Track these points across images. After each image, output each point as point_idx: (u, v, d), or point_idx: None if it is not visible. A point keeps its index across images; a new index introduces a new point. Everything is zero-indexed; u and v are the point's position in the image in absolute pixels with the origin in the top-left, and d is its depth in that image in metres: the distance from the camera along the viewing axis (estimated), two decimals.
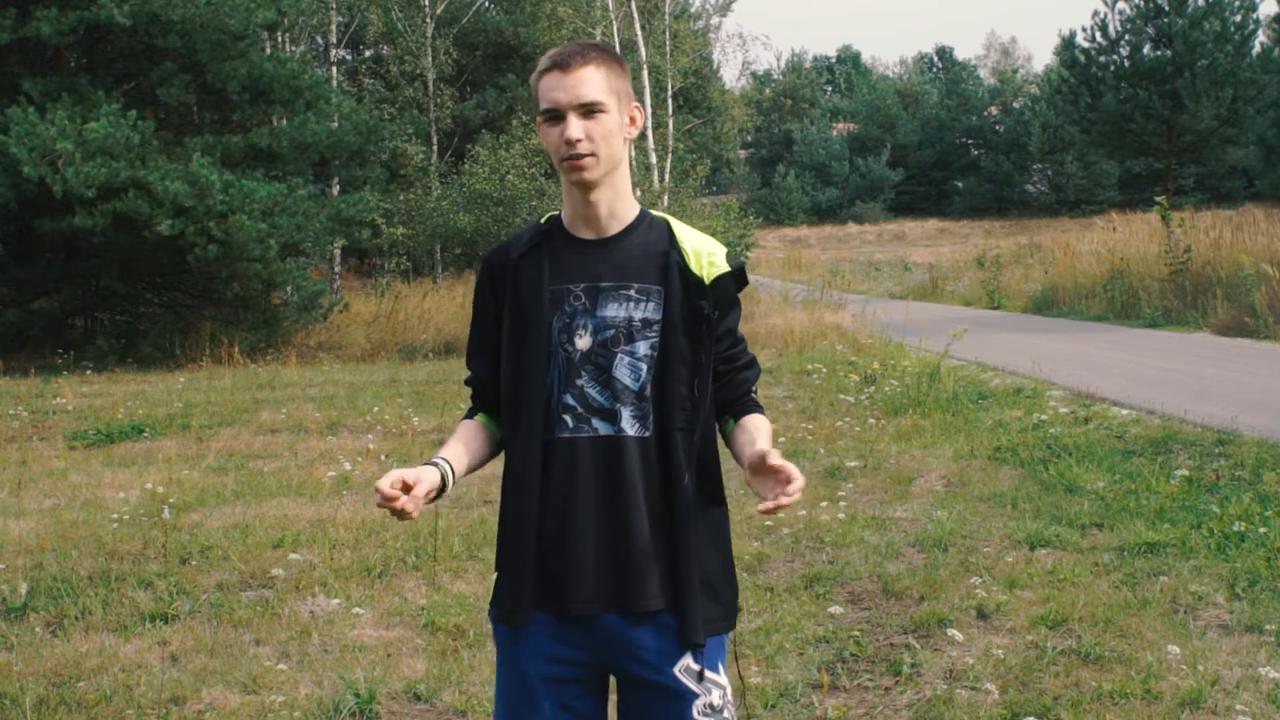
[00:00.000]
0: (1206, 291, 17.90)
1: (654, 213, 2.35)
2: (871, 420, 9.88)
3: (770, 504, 2.08)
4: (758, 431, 2.29)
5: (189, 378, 14.21)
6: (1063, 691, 4.13)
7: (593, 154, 2.20)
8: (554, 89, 2.21)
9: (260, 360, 16.04)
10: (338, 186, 22.46)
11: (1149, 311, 18.48)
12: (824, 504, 7.00)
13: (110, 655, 4.67)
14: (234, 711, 4.15)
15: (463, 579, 5.65)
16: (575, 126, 2.19)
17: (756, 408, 2.37)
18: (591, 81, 2.21)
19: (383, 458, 8.58)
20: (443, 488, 2.23)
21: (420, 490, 2.15)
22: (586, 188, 2.24)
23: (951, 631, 4.75)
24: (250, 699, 4.25)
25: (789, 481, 2.08)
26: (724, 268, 2.28)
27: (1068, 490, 7.06)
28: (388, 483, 2.11)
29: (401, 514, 2.12)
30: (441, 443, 2.39)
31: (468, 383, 2.42)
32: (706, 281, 2.26)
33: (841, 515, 6.71)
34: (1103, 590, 5.19)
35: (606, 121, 2.22)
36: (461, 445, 2.34)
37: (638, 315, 2.23)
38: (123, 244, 16.31)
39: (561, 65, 2.21)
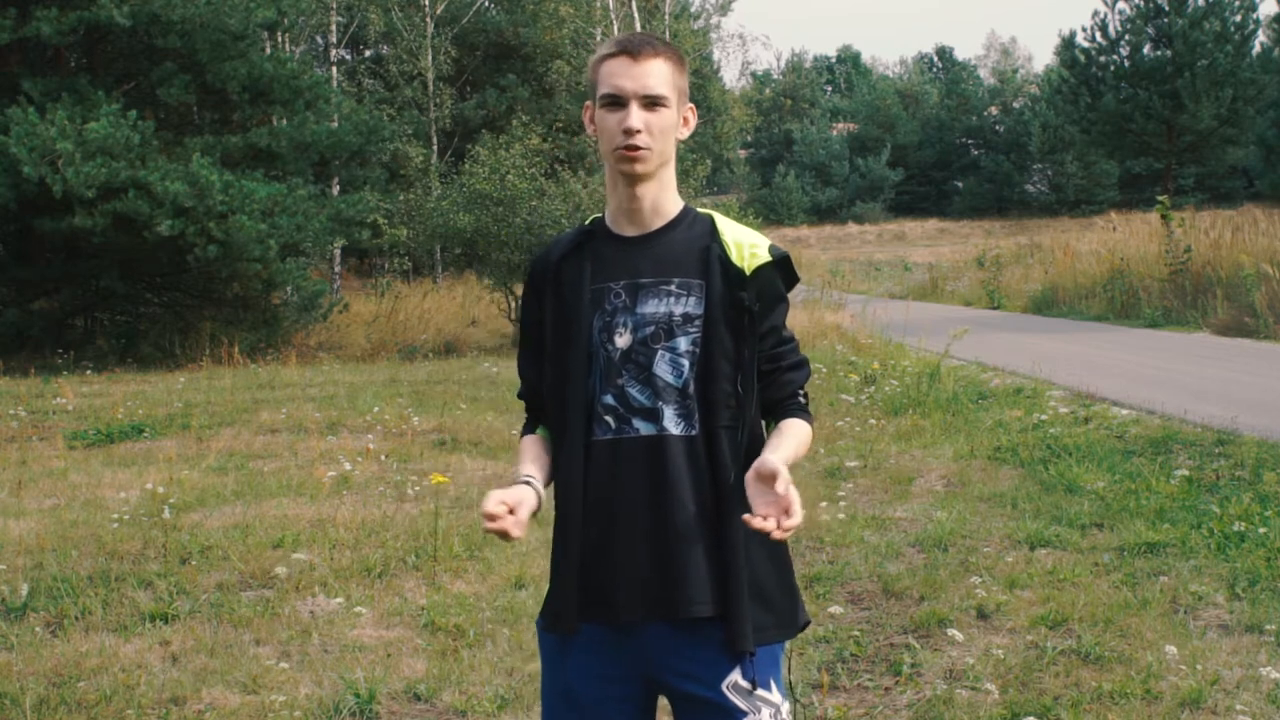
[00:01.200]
0: (1206, 291, 17.90)
1: (699, 209, 2.29)
2: (871, 420, 9.88)
3: (760, 524, 1.98)
4: (788, 437, 2.20)
5: (189, 378, 14.21)
6: (1063, 691, 4.13)
7: (649, 147, 2.15)
8: (619, 75, 2.15)
9: (260, 360, 16.03)
10: (338, 186, 22.46)
11: (1149, 311, 18.47)
12: (824, 504, 6.99)
13: (110, 655, 4.67)
14: (234, 711, 4.15)
15: (463, 579, 5.65)
16: (636, 117, 2.13)
17: (800, 412, 2.27)
18: (659, 74, 2.16)
19: (383, 458, 8.58)
20: (538, 506, 2.19)
21: (523, 513, 2.11)
22: (634, 180, 2.18)
23: (951, 631, 4.75)
24: (250, 699, 4.25)
25: (788, 513, 1.98)
26: (766, 257, 2.21)
27: (1068, 490, 7.06)
28: (493, 503, 2.06)
29: (505, 535, 2.07)
30: (516, 458, 2.32)
31: (521, 395, 2.36)
32: (747, 272, 2.19)
33: (841, 515, 6.70)
34: (1103, 590, 5.19)
35: (666, 117, 2.17)
36: (535, 462, 2.26)
37: (678, 310, 2.17)
38: (123, 244, 16.31)
39: (631, 52, 2.16)
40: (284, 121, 18.34)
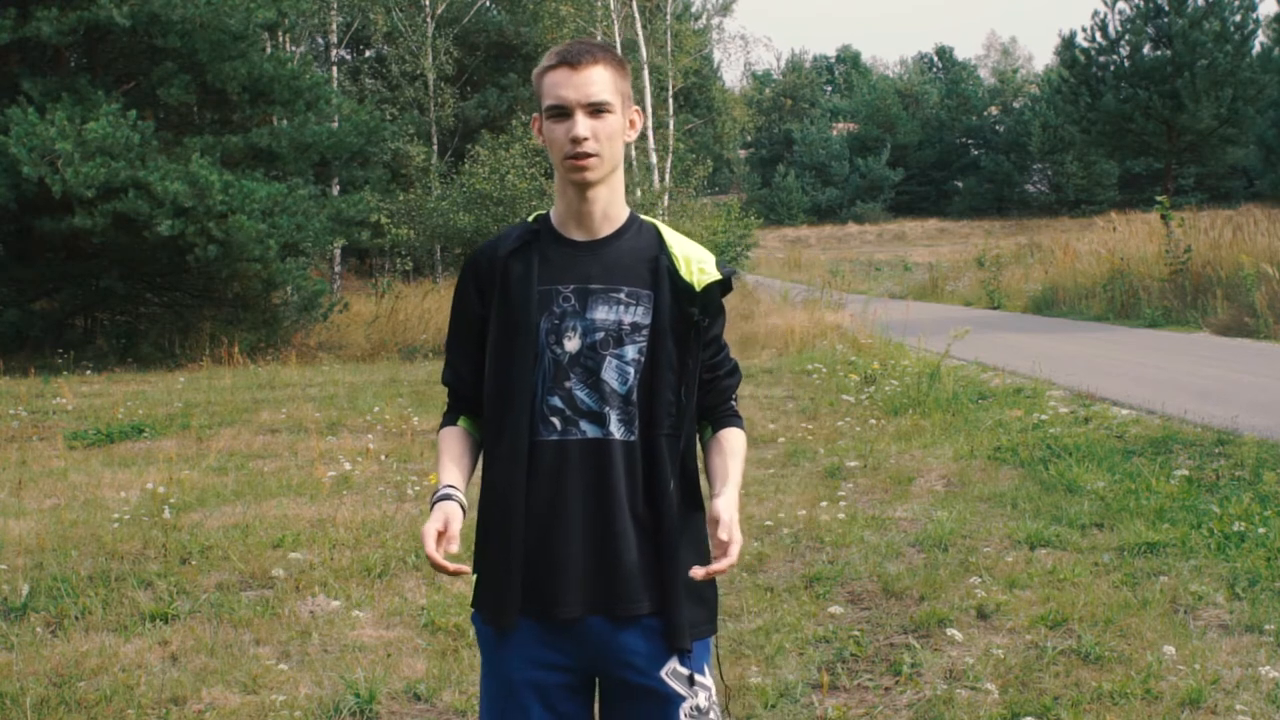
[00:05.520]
0: (1206, 291, 17.90)
1: (643, 217, 2.34)
2: (871, 420, 9.88)
3: (702, 571, 2.14)
4: (732, 459, 2.31)
5: (189, 378, 14.21)
6: (1063, 691, 4.13)
7: (597, 154, 2.20)
8: (562, 85, 2.19)
9: (260, 360, 16.03)
10: (338, 186, 22.45)
11: (1149, 311, 18.48)
12: (824, 504, 7.00)
13: (110, 655, 4.67)
14: (234, 711, 4.15)
15: (463, 579, 5.65)
16: (583, 125, 2.18)
17: (734, 420, 2.39)
18: (601, 81, 2.20)
19: (383, 458, 8.58)
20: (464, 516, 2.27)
21: (454, 529, 2.20)
22: (585, 187, 2.23)
23: (951, 631, 4.75)
24: (250, 699, 4.25)
25: (724, 553, 2.14)
26: (714, 275, 2.28)
27: (1068, 490, 7.06)
28: (441, 555, 2.16)
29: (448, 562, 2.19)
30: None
31: (446, 382, 2.40)
32: (697, 288, 2.26)
33: (841, 515, 6.70)
34: (1103, 590, 5.19)
35: (612, 122, 2.22)
36: (457, 463, 2.33)
37: (627, 319, 2.23)
38: (123, 244, 16.31)
39: (571, 62, 2.20)
40: (284, 122, 18.32)
